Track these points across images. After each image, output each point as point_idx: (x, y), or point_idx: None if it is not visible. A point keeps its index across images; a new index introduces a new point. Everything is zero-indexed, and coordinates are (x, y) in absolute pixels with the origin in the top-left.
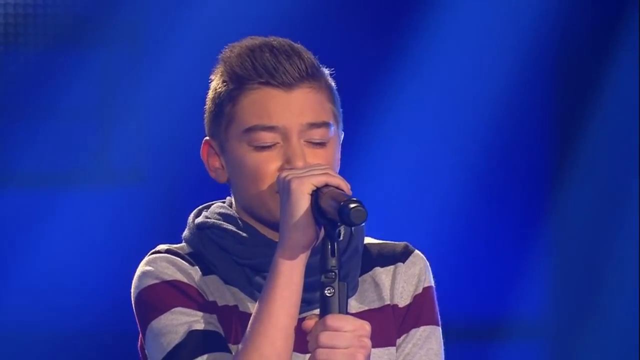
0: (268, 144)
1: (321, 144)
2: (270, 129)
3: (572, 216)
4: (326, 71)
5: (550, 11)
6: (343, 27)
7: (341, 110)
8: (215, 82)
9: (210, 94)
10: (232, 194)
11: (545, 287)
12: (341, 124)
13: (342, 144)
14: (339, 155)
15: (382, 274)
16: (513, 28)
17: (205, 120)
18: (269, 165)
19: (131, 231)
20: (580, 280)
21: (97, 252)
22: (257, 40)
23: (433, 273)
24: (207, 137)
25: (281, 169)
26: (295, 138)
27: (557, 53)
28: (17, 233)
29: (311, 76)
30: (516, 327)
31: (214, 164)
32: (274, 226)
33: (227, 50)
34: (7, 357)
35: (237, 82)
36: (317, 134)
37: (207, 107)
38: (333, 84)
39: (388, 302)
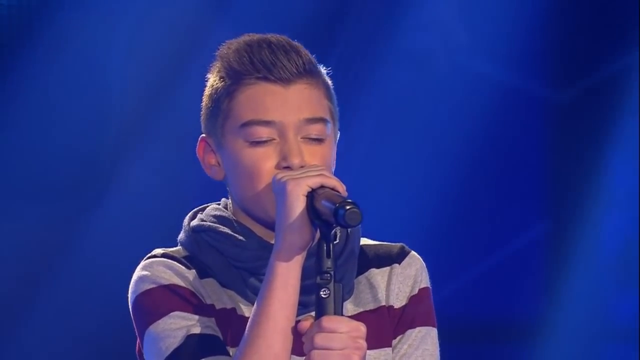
0: (264, 139)
1: (318, 140)
2: (267, 123)
3: (571, 216)
4: (323, 69)
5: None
6: (339, 26)
7: (338, 108)
8: (212, 79)
9: (207, 90)
10: (228, 192)
11: (543, 287)
12: (337, 123)
13: (338, 144)
14: (335, 154)
15: (378, 275)
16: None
17: (202, 117)
18: (265, 162)
19: (127, 233)
20: (579, 280)
21: (93, 254)
22: (254, 36)
23: (431, 274)
24: (203, 135)
25: (278, 166)
26: (292, 134)
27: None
28: (14, 234)
29: (309, 72)
30: (514, 328)
31: (210, 161)
32: (270, 225)
33: (224, 46)
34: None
35: (234, 78)
36: (314, 130)
37: (203, 103)
38: (330, 82)
39: (383, 303)
